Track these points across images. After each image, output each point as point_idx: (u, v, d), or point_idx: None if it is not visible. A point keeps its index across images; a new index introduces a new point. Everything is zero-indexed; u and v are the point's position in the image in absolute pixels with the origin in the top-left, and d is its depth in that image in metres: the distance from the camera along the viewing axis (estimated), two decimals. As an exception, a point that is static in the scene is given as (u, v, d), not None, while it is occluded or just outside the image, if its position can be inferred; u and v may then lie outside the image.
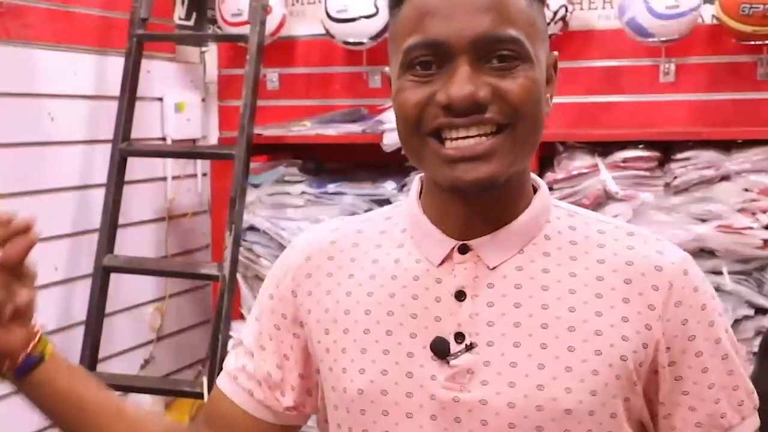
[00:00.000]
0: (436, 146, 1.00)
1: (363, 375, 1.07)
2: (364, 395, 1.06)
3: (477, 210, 1.05)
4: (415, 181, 1.13)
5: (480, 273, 1.05)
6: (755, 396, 1.09)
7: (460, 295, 1.04)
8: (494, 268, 1.05)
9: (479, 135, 0.98)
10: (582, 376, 1.01)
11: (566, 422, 1.01)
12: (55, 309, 2.64)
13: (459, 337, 1.03)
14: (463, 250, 1.05)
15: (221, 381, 1.19)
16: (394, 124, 3.20)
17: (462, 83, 0.97)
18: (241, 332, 1.20)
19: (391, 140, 2.73)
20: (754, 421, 1.09)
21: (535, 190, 1.10)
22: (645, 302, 1.03)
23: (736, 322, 2.54)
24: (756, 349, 2.44)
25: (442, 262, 1.06)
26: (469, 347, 1.02)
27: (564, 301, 1.03)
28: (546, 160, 2.74)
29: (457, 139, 0.99)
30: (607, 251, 1.06)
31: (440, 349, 1.03)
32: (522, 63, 0.99)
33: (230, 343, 2.64)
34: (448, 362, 1.03)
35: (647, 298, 1.03)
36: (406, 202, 1.13)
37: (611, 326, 1.02)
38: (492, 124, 0.99)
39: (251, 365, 1.16)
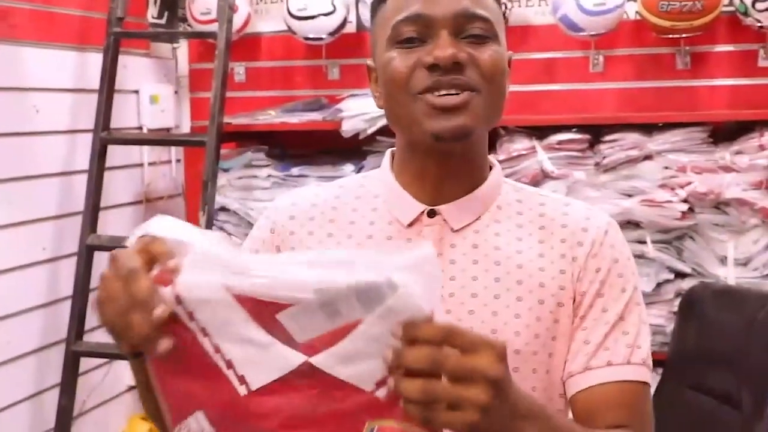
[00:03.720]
0: (428, 98, 1.07)
1: None
2: None
3: (446, 174, 1.14)
4: (387, 153, 1.21)
5: (445, 234, 1.14)
6: (642, 354, 1.11)
7: None
8: (457, 230, 1.14)
9: (459, 93, 1.07)
10: (528, 321, 1.10)
11: (515, 361, 1.07)
12: (43, 285, 2.66)
13: None
14: (431, 214, 1.15)
15: None
16: (352, 112, 3.22)
17: (446, 46, 1.07)
18: None
19: (349, 126, 2.77)
20: (634, 374, 1.10)
21: (490, 168, 1.20)
22: (572, 255, 1.13)
23: (659, 286, 2.63)
24: (676, 309, 2.58)
25: (412, 223, 1.15)
26: None
27: (513, 260, 1.13)
28: (489, 143, 2.80)
29: (442, 96, 1.07)
30: (546, 219, 1.16)
31: None
32: (491, 41, 1.10)
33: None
34: None
35: (574, 251, 1.14)
36: (378, 172, 1.21)
37: (552, 278, 1.12)
38: (468, 87, 1.08)
39: None
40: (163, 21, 3.21)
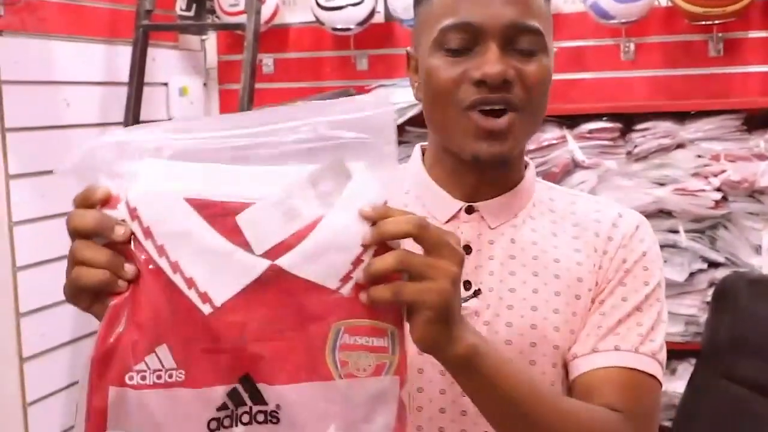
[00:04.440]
0: (474, 117, 1.05)
1: None
2: None
3: (485, 178, 1.12)
4: (416, 149, 1.19)
5: (482, 231, 1.12)
6: (653, 347, 1.08)
7: (466, 249, 1.10)
8: (494, 227, 1.13)
9: (503, 113, 1.05)
10: (566, 317, 1.09)
11: (554, 356, 1.08)
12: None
13: (467, 284, 1.09)
14: (469, 210, 1.13)
15: None
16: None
17: (495, 62, 1.03)
18: None
19: (377, 117, 2.78)
20: (640, 363, 1.07)
21: (525, 166, 1.18)
22: (603, 249, 1.12)
23: (692, 275, 2.60)
24: (709, 299, 2.56)
25: (449, 220, 1.13)
26: (476, 293, 1.09)
27: (549, 254, 1.12)
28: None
29: (490, 112, 1.05)
30: (579, 216, 1.16)
31: None
32: (540, 53, 1.07)
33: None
34: None
35: (606, 246, 1.13)
36: (408, 168, 1.19)
37: (589, 272, 1.11)
38: (513, 106, 1.05)
39: None
40: (191, 13, 3.22)
